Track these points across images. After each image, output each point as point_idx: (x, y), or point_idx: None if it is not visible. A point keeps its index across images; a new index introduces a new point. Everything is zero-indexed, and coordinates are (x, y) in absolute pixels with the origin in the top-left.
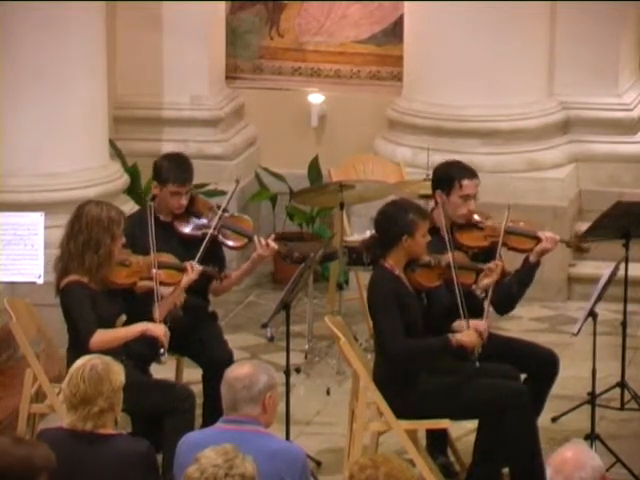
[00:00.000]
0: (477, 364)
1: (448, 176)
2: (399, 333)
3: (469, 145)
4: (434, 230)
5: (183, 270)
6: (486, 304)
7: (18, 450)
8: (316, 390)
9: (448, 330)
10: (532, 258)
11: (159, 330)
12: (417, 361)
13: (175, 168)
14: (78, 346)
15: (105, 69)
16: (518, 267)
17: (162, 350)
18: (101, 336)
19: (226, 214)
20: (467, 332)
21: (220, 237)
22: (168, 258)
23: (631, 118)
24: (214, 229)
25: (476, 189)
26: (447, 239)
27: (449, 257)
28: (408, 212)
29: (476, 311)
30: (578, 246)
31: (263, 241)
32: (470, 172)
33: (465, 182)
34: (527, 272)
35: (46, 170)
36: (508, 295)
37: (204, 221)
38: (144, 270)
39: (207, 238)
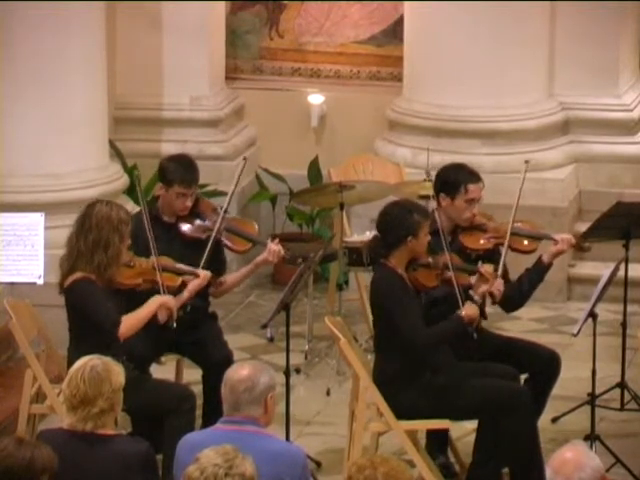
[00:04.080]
0: (475, 335)
1: (454, 180)
2: (420, 323)
3: (469, 146)
4: (433, 231)
5: (182, 274)
6: (504, 252)
7: (20, 451)
8: (316, 391)
9: None
10: (546, 259)
11: (170, 300)
12: (439, 347)
13: (181, 170)
14: (82, 344)
15: (105, 69)
16: (529, 266)
17: (172, 320)
18: (127, 321)
19: (228, 215)
20: (467, 305)
21: (224, 240)
22: (167, 261)
23: (631, 118)
24: (218, 232)
25: (480, 193)
26: (444, 241)
27: (445, 258)
28: (412, 213)
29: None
30: (580, 246)
31: (275, 247)
32: (475, 176)
33: (471, 187)
34: (539, 272)
35: (46, 171)
36: (518, 293)
37: (208, 223)
38: (147, 272)
39: (211, 242)
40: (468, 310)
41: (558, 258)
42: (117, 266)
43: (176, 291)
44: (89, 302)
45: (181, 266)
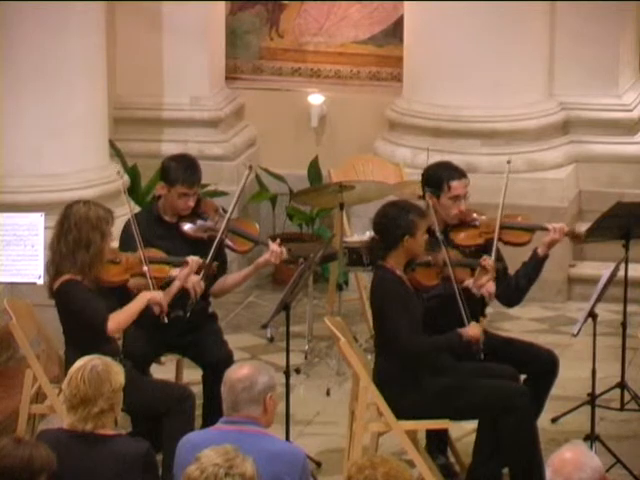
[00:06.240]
0: (482, 356)
1: (436, 178)
2: (413, 329)
3: (469, 146)
4: (428, 231)
5: (170, 264)
6: (494, 246)
7: (18, 451)
8: (316, 391)
9: (445, 328)
10: (540, 251)
11: (158, 295)
12: (430, 357)
13: (184, 169)
14: (76, 345)
15: (105, 69)
16: (525, 260)
17: (163, 314)
18: (116, 318)
19: (231, 217)
20: (472, 325)
21: (226, 241)
22: (156, 253)
23: (631, 119)
24: (222, 233)
25: (465, 189)
26: (440, 238)
27: (444, 255)
28: (408, 212)
29: (473, 308)
30: (574, 234)
31: (277, 248)
32: (458, 172)
33: (454, 183)
34: (535, 265)
35: (46, 171)
36: (516, 288)
37: (210, 223)
38: (134, 266)
39: (216, 242)
40: (470, 331)
41: (558, 258)
42: (101, 264)
43: (166, 283)
44: (77, 301)
45: (169, 257)
